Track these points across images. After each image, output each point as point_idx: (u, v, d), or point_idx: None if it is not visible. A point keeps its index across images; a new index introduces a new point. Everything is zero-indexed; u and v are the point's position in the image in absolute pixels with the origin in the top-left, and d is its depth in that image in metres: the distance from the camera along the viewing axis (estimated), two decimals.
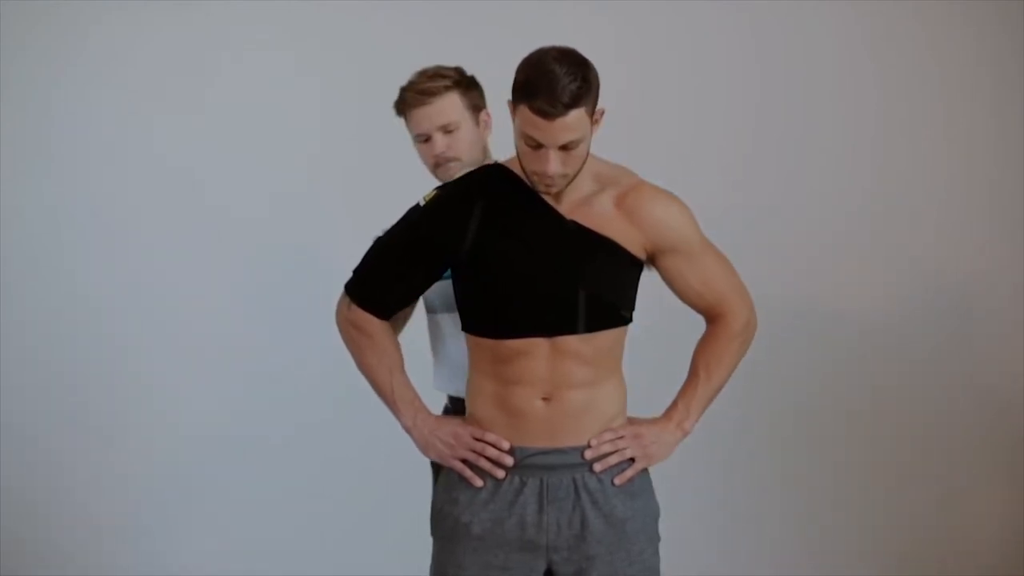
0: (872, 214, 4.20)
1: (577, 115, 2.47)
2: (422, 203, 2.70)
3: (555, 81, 2.45)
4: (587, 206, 2.64)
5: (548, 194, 2.59)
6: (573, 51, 2.53)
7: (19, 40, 4.00)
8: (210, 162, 4.06)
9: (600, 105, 2.55)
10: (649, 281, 2.73)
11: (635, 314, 2.71)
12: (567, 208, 2.64)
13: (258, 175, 4.08)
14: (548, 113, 2.46)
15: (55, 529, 4.14)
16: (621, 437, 2.70)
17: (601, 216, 2.63)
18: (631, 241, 2.64)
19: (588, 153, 2.56)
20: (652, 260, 2.70)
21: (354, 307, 2.73)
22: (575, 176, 2.57)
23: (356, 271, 2.75)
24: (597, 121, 2.56)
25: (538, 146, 2.50)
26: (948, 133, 4.20)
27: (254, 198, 4.07)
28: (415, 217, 2.70)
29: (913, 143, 4.19)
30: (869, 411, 4.23)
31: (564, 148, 2.50)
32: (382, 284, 2.72)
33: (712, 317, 2.78)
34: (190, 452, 4.08)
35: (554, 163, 2.51)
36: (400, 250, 2.69)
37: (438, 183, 2.96)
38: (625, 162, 2.73)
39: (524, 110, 2.48)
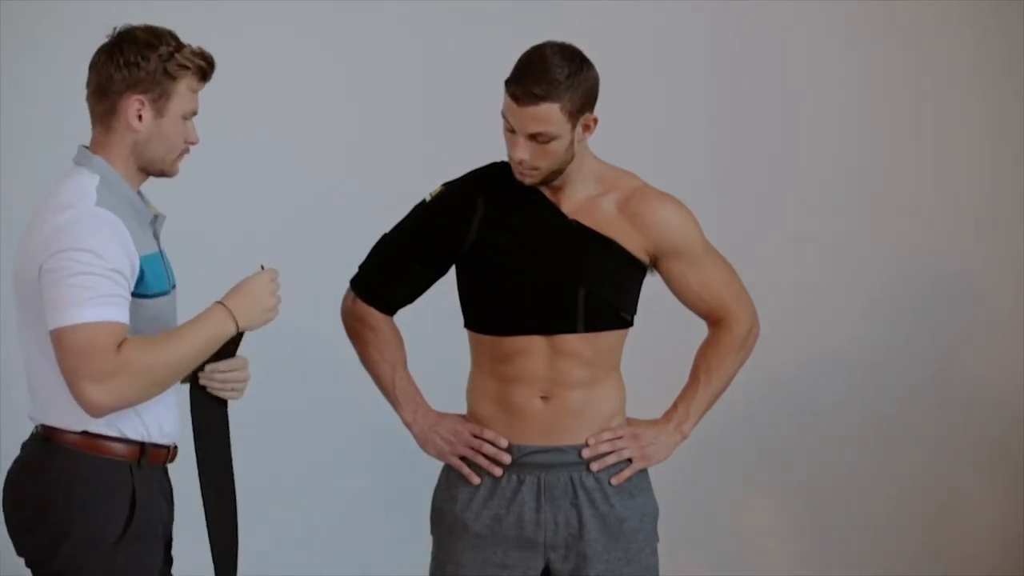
0: (871, 212, 4.20)
1: (549, 109, 2.50)
2: (428, 199, 2.72)
3: (537, 70, 2.50)
4: (590, 207, 2.66)
5: (524, 183, 2.61)
6: (576, 51, 2.55)
7: (21, 39, 4.00)
8: (212, 162, 4.06)
9: (595, 114, 2.58)
10: (649, 283, 2.74)
11: (636, 316, 2.72)
12: (570, 208, 2.65)
13: (260, 174, 4.08)
14: (518, 98, 2.51)
15: None
16: (619, 437, 2.71)
17: (604, 217, 2.66)
18: (633, 243, 2.66)
19: (570, 153, 2.57)
20: (654, 263, 2.71)
21: (358, 301, 2.76)
22: (554, 173, 2.59)
23: (361, 266, 2.78)
24: (588, 128, 2.58)
25: (512, 130, 2.54)
26: (946, 130, 4.20)
27: (258, 197, 4.07)
28: (420, 213, 2.73)
29: (910, 140, 4.19)
30: (868, 412, 4.23)
31: (534, 139, 2.52)
32: (386, 279, 2.74)
33: (714, 322, 2.80)
34: (189, 452, 4.08)
35: (521, 150, 2.54)
36: (404, 246, 2.72)
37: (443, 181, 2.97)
38: (617, 162, 2.75)
39: (505, 91, 2.53)
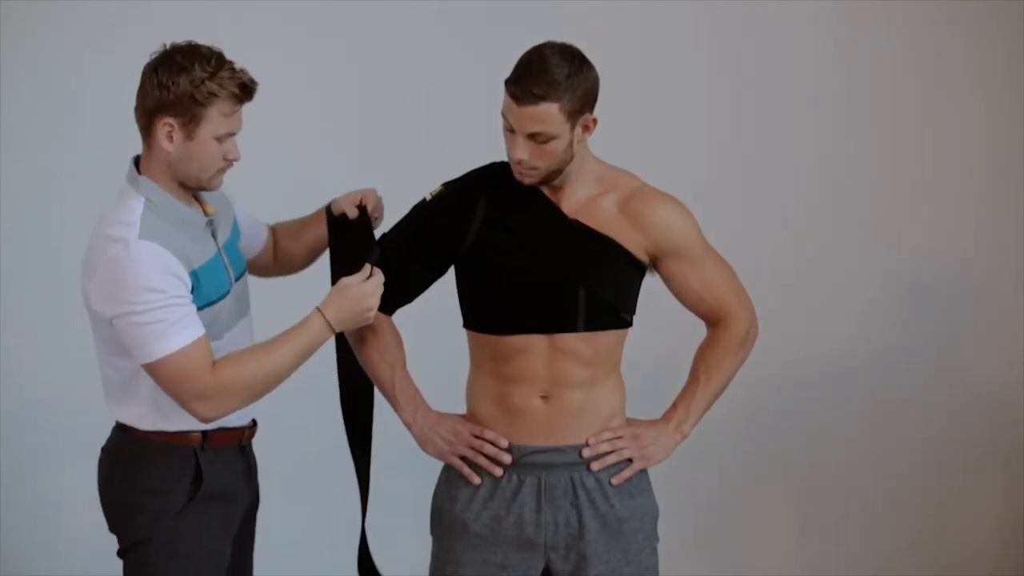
0: (871, 212, 4.20)
1: (548, 109, 2.49)
2: (428, 199, 2.72)
3: (536, 70, 2.49)
4: (590, 207, 2.66)
5: (523, 183, 2.60)
6: (575, 52, 2.54)
7: (20, 39, 4.00)
8: None
9: (595, 115, 2.57)
10: (649, 282, 2.74)
11: (635, 316, 2.72)
12: (570, 208, 2.65)
13: (257, 173, 4.07)
14: (517, 97, 2.51)
15: (56, 529, 4.14)
16: (619, 437, 2.71)
17: (604, 217, 2.65)
18: (633, 243, 2.66)
19: (570, 153, 2.57)
20: (654, 264, 2.71)
21: None
22: (553, 173, 2.59)
23: None
24: (587, 128, 2.58)
25: (511, 129, 2.54)
26: (946, 130, 4.19)
27: (255, 196, 4.06)
28: (420, 213, 2.73)
29: (909, 140, 4.19)
30: (868, 412, 4.23)
31: (533, 138, 2.52)
32: (385, 279, 2.73)
33: (713, 322, 2.79)
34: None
35: (520, 149, 2.54)
36: (404, 245, 2.72)
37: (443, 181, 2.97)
38: (617, 162, 2.75)
39: (505, 90, 2.53)
